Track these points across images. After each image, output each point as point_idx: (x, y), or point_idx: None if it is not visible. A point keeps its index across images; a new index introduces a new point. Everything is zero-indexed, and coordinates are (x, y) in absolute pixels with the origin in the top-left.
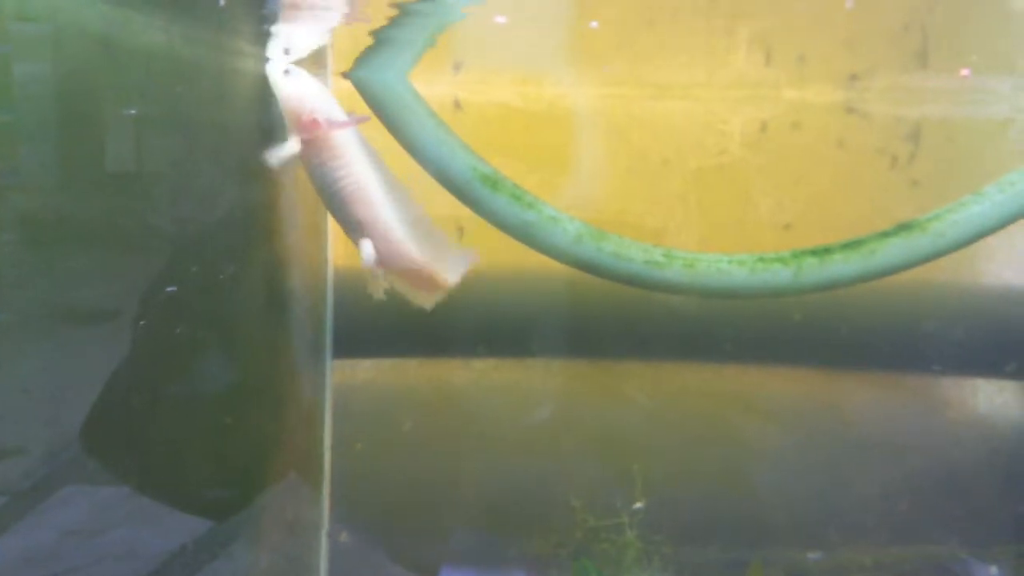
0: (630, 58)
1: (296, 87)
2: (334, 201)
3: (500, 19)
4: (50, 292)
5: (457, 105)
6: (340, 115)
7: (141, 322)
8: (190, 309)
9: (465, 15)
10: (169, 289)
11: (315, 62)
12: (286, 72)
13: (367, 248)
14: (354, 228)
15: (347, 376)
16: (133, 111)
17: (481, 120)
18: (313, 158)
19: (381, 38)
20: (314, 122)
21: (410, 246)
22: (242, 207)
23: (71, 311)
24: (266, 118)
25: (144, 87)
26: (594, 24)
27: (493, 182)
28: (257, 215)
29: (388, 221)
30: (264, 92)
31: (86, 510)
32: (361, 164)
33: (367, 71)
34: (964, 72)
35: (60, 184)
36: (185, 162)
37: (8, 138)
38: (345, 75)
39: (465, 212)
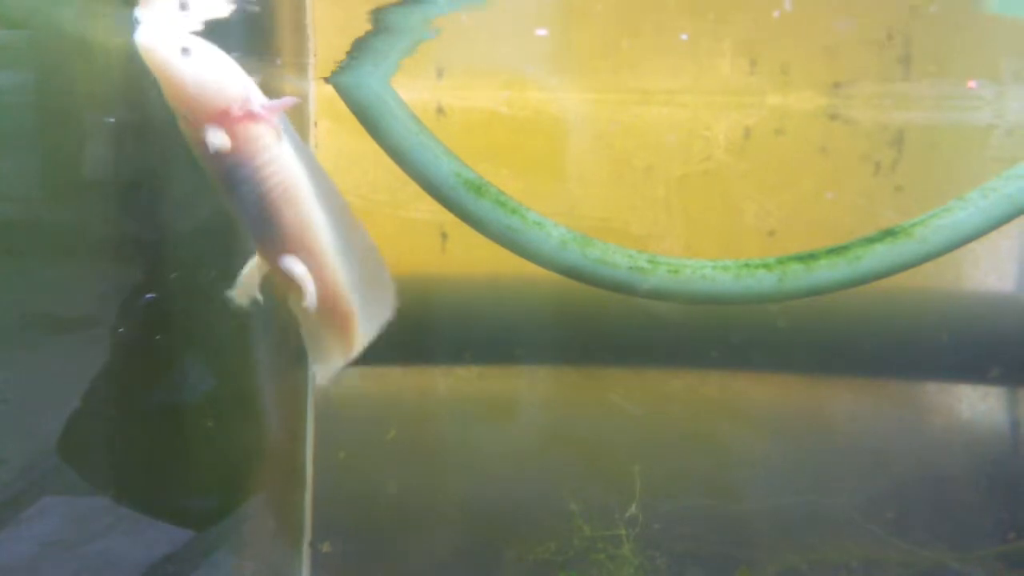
0: (614, 64)
1: (200, 68)
2: (253, 208)
3: (542, 32)
4: (27, 300)
5: (440, 111)
6: (260, 99)
7: (120, 330)
8: (169, 316)
9: (441, 28)
10: (148, 296)
11: (297, 68)
12: (184, 51)
13: (299, 269)
14: (274, 244)
15: (330, 384)
16: (112, 119)
17: (464, 126)
18: (224, 156)
19: (363, 43)
20: (230, 113)
21: (342, 276)
22: (222, 212)
23: (49, 319)
24: None
25: (121, 89)
26: (684, 37)
27: (477, 188)
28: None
29: (321, 236)
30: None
31: (65, 521)
32: (289, 160)
33: (350, 77)
34: (972, 84)
35: (36, 191)
36: (164, 166)
37: None
38: (327, 80)
39: (449, 218)
